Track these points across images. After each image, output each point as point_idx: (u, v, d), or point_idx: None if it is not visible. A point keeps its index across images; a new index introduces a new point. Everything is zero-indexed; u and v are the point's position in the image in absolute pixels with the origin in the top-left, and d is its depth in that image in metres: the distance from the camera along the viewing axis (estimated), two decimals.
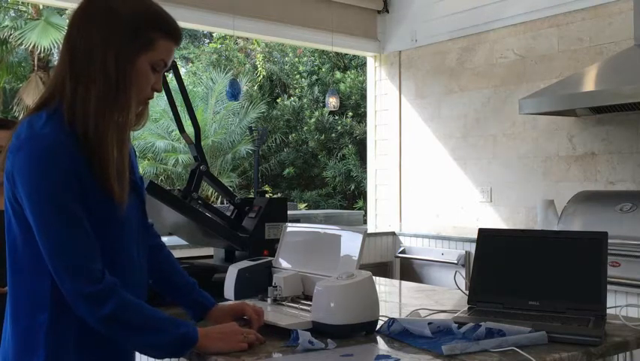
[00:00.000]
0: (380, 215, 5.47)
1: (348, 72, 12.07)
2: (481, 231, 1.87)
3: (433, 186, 4.98)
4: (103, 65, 1.24)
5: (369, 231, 4.59)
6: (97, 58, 1.24)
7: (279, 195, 11.89)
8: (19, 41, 11.42)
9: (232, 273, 1.84)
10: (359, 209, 10.61)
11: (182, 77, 2.33)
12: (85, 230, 1.21)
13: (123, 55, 1.25)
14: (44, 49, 11.45)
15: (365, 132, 6.65)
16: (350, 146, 11.62)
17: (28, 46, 11.40)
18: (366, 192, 6.04)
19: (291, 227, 1.96)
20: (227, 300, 1.78)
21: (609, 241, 1.70)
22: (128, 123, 1.28)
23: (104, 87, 1.23)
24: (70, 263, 1.19)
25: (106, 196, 1.24)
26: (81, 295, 1.19)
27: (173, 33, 1.33)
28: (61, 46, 1.33)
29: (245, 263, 1.88)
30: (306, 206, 11.53)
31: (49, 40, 11.29)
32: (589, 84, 3.53)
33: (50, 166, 1.19)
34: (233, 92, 5.08)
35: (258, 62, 12.89)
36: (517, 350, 1.35)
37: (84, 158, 1.22)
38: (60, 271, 1.20)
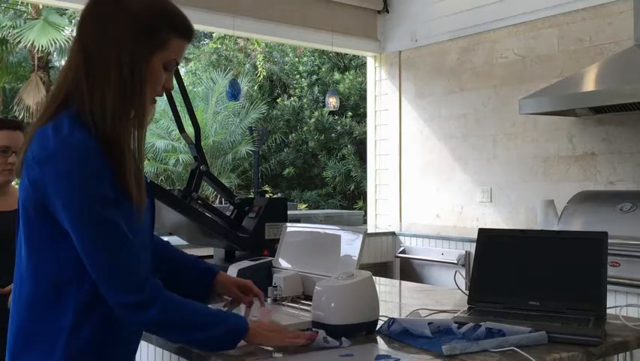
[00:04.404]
0: (380, 215, 5.47)
1: (347, 73, 12.06)
2: (481, 231, 1.87)
3: (433, 187, 4.98)
4: (118, 66, 1.23)
5: (369, 231, 4.58)
6: (111, 58, 1.23)
7: (279, 195, 11.88)
8: (17, 39, 11.39)
9: (232, 273, 1.84)
10: (359, 209, 10.61)
11: (182, 77, 2.33)
12: (124, 237, 1.22)
13: (137, 55, 1.24)
14: (42, 48, 11.42)
15: (365, 132, 6.65)
16: (350, 146, 11.61)
17: (27, 44, 11.37)
18: (366, 192, 6.04)
19: (291, 227, 1.96)
20: (227, 300, 1.78)
21: (609, 241, 1.70)
22: (145, 123, 1.29)
23: (119, 88, 1.23)
24: (113, 277, 1.21)
25: (125, 200, 1.24)
26: (126, 306, 1.22)
27: (185, 31, 1.32)
28: (71, 45, 1.32)
29: (245, 263, 1.88)
30: (306, 206, 11.52)
31: (48, 39, 11.26)
32: (589, 84, 3.53)
33: (85, 176, 1.18)
34: (234, 92, 5.09)
35: (258, 62, 12.88)
36: (517, 350, 1.35)
37: (109, 161, 1.22)
38: (104, 285, 1.21)
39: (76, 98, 1.24)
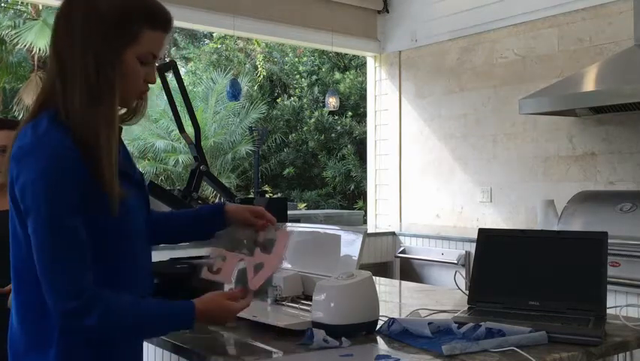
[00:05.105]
0: (380, 215, 5.47)
1: (347, 73, 12.06)
2: (481, 231, 1.87)
3: (433, 187, 4.98)
4: (83, 66, 1.23)
5: (369, 231, 4.58)
6: (77, 58, 1.23)
7: (279, 195, 11.87)
8: (15, 40, 11.38)
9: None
10: (359, 209, 10.60)
11: (182, 77, 2.33)
12: (74, 245, 1.20)
13: (103, 53, 1.23)
14: (40, 50, 11.39)
15: (365, 132, 6.65)
16: (349, 146, 11.60)
17: (25, 45, 11.35)
18: (366, 192, 6.04)
19: (291, 227, 1.96)
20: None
21: (609, 241, 1.70)
22: (115, 120, 1.26)
23: (86, 88, 1.22)
24: (53, 282, 1.18)
25: (103, 196, 1.23)
26: (63, 314, 1.19)
27: (158, 22, 1.29)
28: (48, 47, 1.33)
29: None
30: (306, 206, 11.51)
31: (46, 42, 11.22)
32: (589, 84, 3.53)
33: (56, 176, 1.18)
34: (234, 92, 5.08)
35: (258, 62, 12.87)
36: (517, 350, 1.35)
37: (84, 160, 1.21)
38: (44, 289, 1.19)
39: (54, 98, 1.25)
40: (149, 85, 1.35)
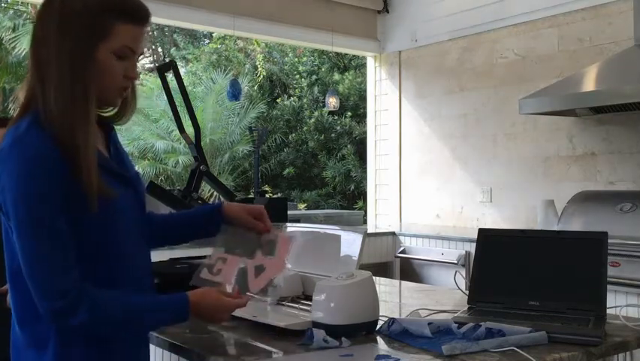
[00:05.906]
0: (380, 215, 5.47)
1: (347, 73, 12.05)
2: (481, 231, 1.87)
3: (433, 187, 4.98)
4: (58, 66, 1.23)
5: (369, 231, 4.58)
6: (53, 59, 1.23)
7: (279, 195, 11.87)
8: (13, 45, 11.40)
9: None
10: (359, 209, 10.60)
11: (182, 77, 2.33)
12: (60, 243, 1.20)
13: (77, 51, 1.23)
14: None
15: (364, 132, 6.66)
16: (349, 146, 11.60)
17: (25, 50, 11.35)
18: (366, 192, 6.04)
19: (291, 227, 1.96)
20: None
21: (609, 241, 1.70)
22: (91, 118, 1.26)
23: (60, 88, 1.23)
24: (39, 283, 1.19)
25: (85, 196, 1.23)
26: (52, 313, 1.20)
27: (131, 15, 1.27)
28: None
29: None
30: (306, 206, 11.51)
31: None
32: (589, 84, 3.53)
33: (32, 178, 1.19)
34: (234, 92, 5.08)
35: (257, 63, 12.87)
36: (517, 350, 1.35)
37: (64, 160, 1.21)
38: (32, 290, 1.20)
39: (35, 100, 1.26)
40: (136, 82, 1.35)
